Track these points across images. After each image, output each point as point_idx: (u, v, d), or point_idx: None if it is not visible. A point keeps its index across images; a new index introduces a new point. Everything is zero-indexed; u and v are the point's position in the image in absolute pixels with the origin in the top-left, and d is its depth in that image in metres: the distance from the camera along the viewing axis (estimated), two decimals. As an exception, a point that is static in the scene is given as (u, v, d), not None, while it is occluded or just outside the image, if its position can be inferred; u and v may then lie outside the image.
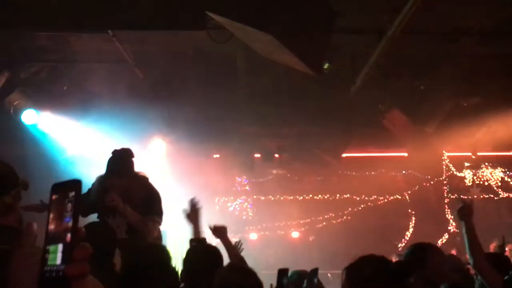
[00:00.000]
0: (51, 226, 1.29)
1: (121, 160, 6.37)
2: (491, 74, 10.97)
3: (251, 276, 3.43)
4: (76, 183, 1.31)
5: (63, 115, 11.11)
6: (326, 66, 9.58)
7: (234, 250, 5.34)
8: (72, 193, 1.29)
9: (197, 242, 5.15)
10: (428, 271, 4.15)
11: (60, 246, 1.26)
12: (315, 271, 5.64)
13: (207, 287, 3.60)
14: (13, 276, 1.70)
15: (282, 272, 5.36)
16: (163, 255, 3.86)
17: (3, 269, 1.71)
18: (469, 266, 5.58)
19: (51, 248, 1.27)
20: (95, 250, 1.28)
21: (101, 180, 6.38)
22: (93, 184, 6.45)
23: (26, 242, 1.66)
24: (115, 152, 6.42)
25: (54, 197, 1.32)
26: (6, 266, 1.70)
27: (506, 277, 4.81)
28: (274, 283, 5.24)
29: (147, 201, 6.45)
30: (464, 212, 4.92)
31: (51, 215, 1.31)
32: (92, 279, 1.74)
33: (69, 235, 1.26)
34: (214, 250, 4.34)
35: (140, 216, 6.15)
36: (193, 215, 5.59)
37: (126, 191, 6.26)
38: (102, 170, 6.41)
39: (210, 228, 5.55)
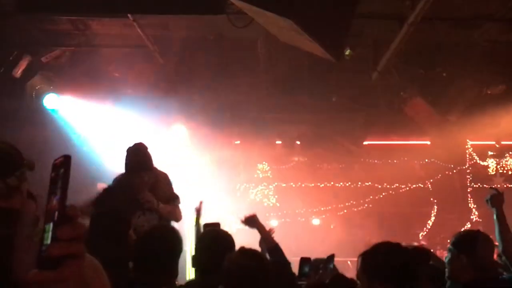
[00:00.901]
0: (48, 204, 1.25)
1: (142, 154, 6.20)
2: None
3: (260, 259, 3.42)
4: (66, 160, 1.27)
5: (84, 100, 11.16)
6: (347, 52, 9.52)
7: (269, 236, 5.35)
8: (62, 170, 1.25)
9: (212, 227, 5.16)
10: (478, 258, 4.18)
11: (51, 225, 1.22)
12: (331, 258, 5.64)
13: (218, 271, 3.60)
14: (15, 257, 1.69)
15: (304, 261, 5.36)
16: (173, 237, 3.86)
17: (5, 251, 1.71)
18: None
19: (47, 227, 1.23)
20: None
21: (122, 178, 6.25)
22: (113, 185, 6.31)
23: (25, 222, 1.65)
24: (133, 148, 6.22)
25: (52, 174, 1.28)
26: (8, 248, 1.70)
27: None
28: (295, 270, 5.25)
29: (169, 189, 6.46)
30: (496, 200, 5.01)
31: (48, 193, 1.26)
32: (91, 261, 1.72)
33: (56, 214, 1.21)
34: (226, 234, 4.33)
35: (170, 207, 6.15)
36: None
37: (153, 185, 6.21)
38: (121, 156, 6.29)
39: (242, 221, 5.56)
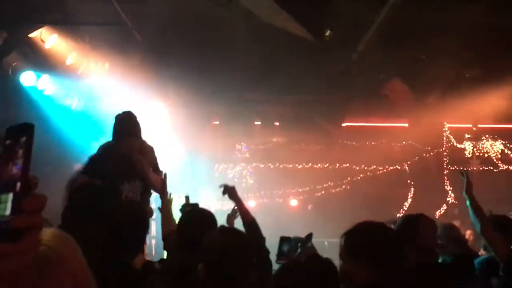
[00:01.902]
0: (2, 174, 1.20)
1: (131, 121, 6.22)
2: (494, 45, 10.86)
3: (239, 237, 3.41)
4: (28, 128, 1.22)
5: (62, 77, 11.02)
6: (327, 33, 9.48)
7: (246, 210, 5.32)
8: (24, 138, 1.21)
9: (191, 207, 5.14)
10: (420, 240, 4.19)
11: (10, 196, 1.16)
12: (309, 236, 5.64)
13: (198, 249, 3.59)
14: None
15: (284, 240, 5.36)
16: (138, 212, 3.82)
17: None
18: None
19: (2, 197, 1.17)
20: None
21: (110, 145, 6.23)
22: (98, 153, 6.29)
23: None
24: (123, 116, 6.22)
25: (6, 142, 1.23)
26: None
27: None
28: (273, 249, 5.25)
29: (155, 160, 6.55)
30: (469, 188, 5.23)
31: (2, 162, 1.21)
32: (67, 239, 1.69)
33: (19, 184, 1.17)
34: (208, 212, 4.32)
35: (156, 175, 6.12)
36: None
37: (141, 152, 6.26)
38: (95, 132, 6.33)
39: (225, 189, 5.51)
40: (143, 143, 6.40)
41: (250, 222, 5.10)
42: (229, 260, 3.26)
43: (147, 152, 6.43)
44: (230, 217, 5.81)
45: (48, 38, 10.27)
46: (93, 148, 7.01)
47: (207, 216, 4.29)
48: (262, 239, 4.94)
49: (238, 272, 3.26)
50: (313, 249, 5.12)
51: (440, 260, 4.58)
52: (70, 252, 2.05)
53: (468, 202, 5.07)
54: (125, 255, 3.62)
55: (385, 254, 3.25)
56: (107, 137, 6.45)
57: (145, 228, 3.94)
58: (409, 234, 4.21)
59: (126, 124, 6.17)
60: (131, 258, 3.69)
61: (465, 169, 6.14)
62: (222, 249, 3.30)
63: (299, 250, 5.32)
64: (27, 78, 10.54)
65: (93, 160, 6.16)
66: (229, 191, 5.46)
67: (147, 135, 7.23)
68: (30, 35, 10.10)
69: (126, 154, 6.09)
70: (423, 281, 3.87)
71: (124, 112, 6.30)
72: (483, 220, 4.89)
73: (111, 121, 6.24)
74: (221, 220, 4.49)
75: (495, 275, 4.74)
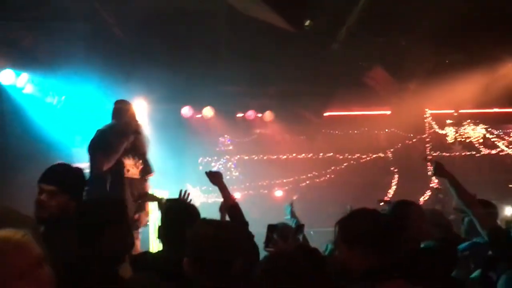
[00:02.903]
0: None
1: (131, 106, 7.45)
2: (473, 30, 10.91)
3: (226, 228, 3.40)
4: None
5: (42, 76, 10.92)
6: (307, 23, 9.50)
7: (229, 195, 5.31)
8: None
9: (173, 201, 5.10)
10: (410, 229, 4.19)
11: None
12: (300, 228, 5.64)
13: (184, 243, 3.59)
14: None
15: (272, 228, 5.36)
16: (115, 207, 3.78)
17: None
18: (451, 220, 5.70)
19: None
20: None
21: (122, 124, 7.23)
22: (111, 129, 7.12)
23: None
24: (122, 101, 7.51)
25: None
26: None
27: None
28: (260, 239, 5.25)
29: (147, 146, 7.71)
30: (439, 169, 5.03)
31: None
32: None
33: None
34: (192, 206, 4.31)
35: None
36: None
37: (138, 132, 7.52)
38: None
39: (207, 173, 5.49)
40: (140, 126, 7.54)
41: (232, 206, 5.09)
42: (213, 253, 3.25)
43: (142, 137, 7.47)
44: (222, 207, 5.79)
45: (26, 36, 10.19)
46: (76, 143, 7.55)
47: (191, 209, 4.28)
48: (245, 224, 4.92)
49: (223, 264, 3.25)
50: (305, 241, 5.12)
51: (422, 246, 4.57)
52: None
53: (448, 183, 4.96)
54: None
55: (381, 241, 3.24)
56: (89, 134, 6.99)
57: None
58: (401, 222, 4.18)
59: (131, 108, 7.39)
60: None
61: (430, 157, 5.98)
62: (206, 242, 3.28)
63: (289, 240, 5.33)
64: (6, 77, 10.45)
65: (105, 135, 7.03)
66: (212, 175, 5.45)
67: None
68: (8, 33, 10.00)
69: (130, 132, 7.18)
70: (411, 267, 3.88)
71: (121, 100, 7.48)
72: (467, 199, 4.82)
73: (91, 119, 6.75)
74: (207, 214, 4.48)
75: (492, 270, 4.75)
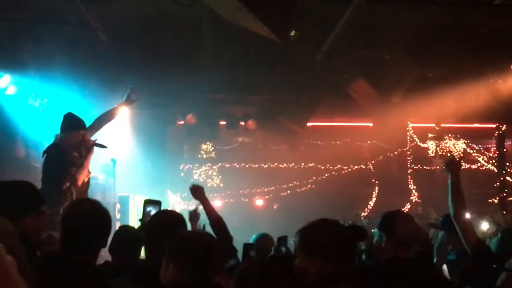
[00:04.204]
0: None
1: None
2: (456, 44, 11.00)
3: (205, 240, 3.39)
4: None
5: (24, 77, 10.86)
6: (292, 33, 9.51)
7: (212, 209, 5.30)
8: None
9: (153, 204, 5.05)
10: (398, 235, 4.26)
11: None
12: (283, 239, 5.63)
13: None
14: None
15: (281, 240, 5.36)
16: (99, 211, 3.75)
17: None
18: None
19: None
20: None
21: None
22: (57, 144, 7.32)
23: None
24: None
25: None
26: None
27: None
28: (240, 248, 5.25)
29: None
30: (453, 165, 5.01)
31: None
32: None
33: None
34: (177, 215, 4.29)
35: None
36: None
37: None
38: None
39: (190, 188, 5.49)
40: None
41: (216, 221, 5.09)
42: (196, 263, 3.25)
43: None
44: (192, 216, 5.77)
45: (10, 37, 10.13)
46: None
47: (176, 216, 4.26)
48: (229, 238, 4.94)
49: (205, 275, 3.25)
50: (288, 252, 5.12)
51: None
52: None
53: (449, 181, 4.98)
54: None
55: (336, 250, 3.34)
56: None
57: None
58: (388, 229, 4.28)
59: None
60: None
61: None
62: (188, 253, 3.28)
63: (272, 252, 5.34)
64: (-11, 78, 10.38)
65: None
66: (195, 190, 5.45)
67: (110, 136, 7.53)
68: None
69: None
70: (380, 275, 3.95)
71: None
72: (459, 204, 4.87)
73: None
74: (187, 220, 4.48)
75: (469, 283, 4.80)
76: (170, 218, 4.13)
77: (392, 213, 4.56)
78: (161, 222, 4.08)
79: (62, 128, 7.47)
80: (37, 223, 3.66)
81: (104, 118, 8.32)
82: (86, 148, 7.41)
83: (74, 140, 7.34)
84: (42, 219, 3.71)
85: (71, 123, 7.46)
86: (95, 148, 7.37)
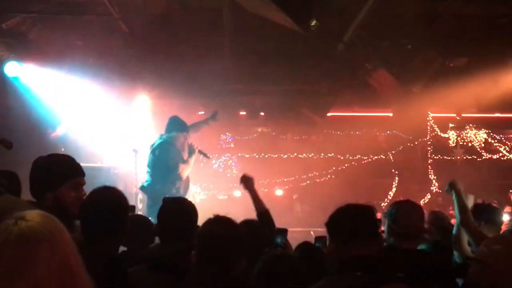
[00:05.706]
0: None
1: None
2: (478, 34, 10.93)
3: (231, 226, 3.41)
4: None
5: (47, 68, 10.94)
6: (313, 23, 9.47)
7: (260, 201, 5.45)
8: None
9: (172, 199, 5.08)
10: (396, 224, 4.30)
11: None
12: (282, 232, 5.63)
13: (182, 240, 3.65)
14: None
15: (280, 232, 5.39)
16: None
17: None
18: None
19: None
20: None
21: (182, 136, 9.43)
22: (170, 142, 9.22)
23: None
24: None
25: None
26: None
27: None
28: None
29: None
30: (455, 186, 5.22)
31: None
32: (38, 212, 1.71)
33: None
34: (188, 203, 4.30)
35: None
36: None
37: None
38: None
39: (241, 178, 5.73)
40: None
41: (263, 212, 5.30)
42: (219, 251, 3.28)
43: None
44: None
45: (32, 29, 10.20)
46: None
47: (187, 207, 4.26)
48: (273, 229, 5.05)
49: (227, 260, 3.28)
50: (286, 245, 5.14)
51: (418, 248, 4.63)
52: (58, 232, 2.04)
53: (454, 197, 5.17)
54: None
55: (355, 234, 3.42)
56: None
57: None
58: (391, 218, 4.42)
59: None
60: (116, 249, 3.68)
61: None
62: (212, 239, 3.31)
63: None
64: (11, 69, 10.47)
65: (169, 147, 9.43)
66: (246, 180, 5.58)
67: (132, 126, 7.53)
68: (14, 25, 10.01)
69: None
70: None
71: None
72: (463, 214, 4.99)
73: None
74: (205, 210, 4.46)
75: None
76: (181, 207, 4.15)
77: (399, 202, 4.68)
78: (172, 212, 4.11)
79: (169, 129, 9.40)
80: (73, 193, 3.70)
81: (197, 127, 10.79)
82: (191, 149, 9.46)
83: (181, 141, 9.39)
84: (78, 190, 3.75)
85: (179, 125, 9.43)
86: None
